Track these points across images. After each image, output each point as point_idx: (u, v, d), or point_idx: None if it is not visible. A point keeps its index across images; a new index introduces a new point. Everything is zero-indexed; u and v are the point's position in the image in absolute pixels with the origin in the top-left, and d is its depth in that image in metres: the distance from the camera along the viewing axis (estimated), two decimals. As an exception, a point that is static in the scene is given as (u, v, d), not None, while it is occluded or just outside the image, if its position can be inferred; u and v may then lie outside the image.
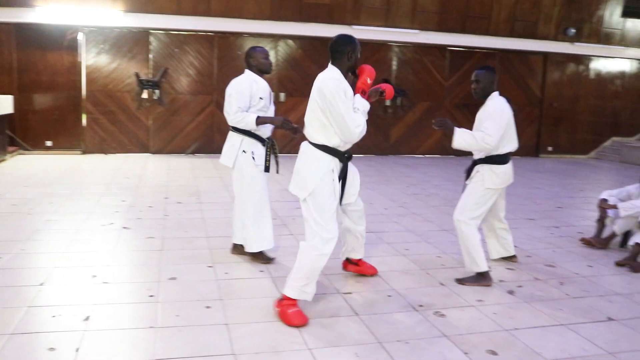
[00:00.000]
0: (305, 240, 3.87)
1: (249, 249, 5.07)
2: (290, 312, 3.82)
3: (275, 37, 13.16)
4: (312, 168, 3.88)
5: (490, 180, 4.76)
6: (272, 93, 5.16)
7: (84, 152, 12.41)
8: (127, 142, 12.67)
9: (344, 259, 4.87)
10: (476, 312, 4.16)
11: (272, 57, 13.03)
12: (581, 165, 14.27)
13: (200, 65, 12.90)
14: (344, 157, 4.00)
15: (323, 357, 3.35)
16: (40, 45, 11.97)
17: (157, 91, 12.49)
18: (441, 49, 14.34)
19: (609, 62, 15.90)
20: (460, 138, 4.56)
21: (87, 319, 3.76)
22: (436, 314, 4.08)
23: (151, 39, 12.53)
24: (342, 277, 4.80)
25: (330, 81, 3.80)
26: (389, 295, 4.41)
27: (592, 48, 15.39)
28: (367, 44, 13.57)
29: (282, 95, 13.01)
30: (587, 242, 6.14)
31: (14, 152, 11.63)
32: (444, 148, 14.60)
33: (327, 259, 3.84)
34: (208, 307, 4.04)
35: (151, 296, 4.21)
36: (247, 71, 5.05)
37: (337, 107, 3.75)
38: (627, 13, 15.38)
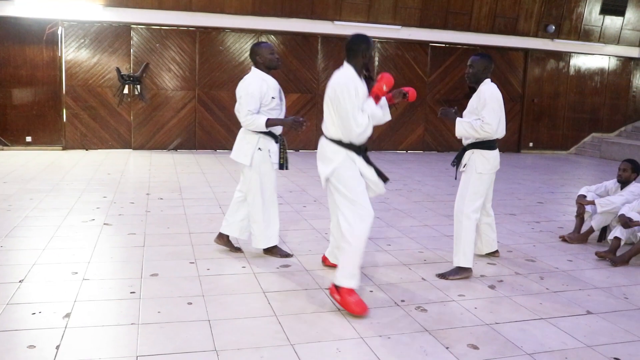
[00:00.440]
0: (342, 225, 3.96)
1: (257, 244, 5.11)
2: (353, 302, 3.92)
3: (257, 33, 13.11)
4: (331, 154, 4.04)
5: (482, 165, 4.81)
6: (281, 89, 5.14)
7: (65, 148, 12.28)
8: (109, 138, 12.57)
9: (328, 254, 4.95)
10: (457, 306, 4.20)
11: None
12: (561, 160, 14.42)
13: (182, 60, 12.82)
14: (361, 150, 4.09)
15: (305, 352, 3.36)
16: (19, 39, 11.81)
17: (138, 86, 12.39)
18: (423, 45, 14.39)
19: (588, 59, 16.06)
20: (461, 127, 4.75)
21: (67, 316, 3.73)
22: (418, 309, 4.11)
23: (132, 33, 12.42)
24: (324, 273, 4.81)
25: (342, 78, 3.97)
26: (371, 291, 4.43)
27: (571, 45, 15.55)
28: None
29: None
30: (564, 239, 6.20)
31: (-7, 148, 11.48)
32: (426, 144, 14.68)
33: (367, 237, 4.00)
34: (190, 303, 4.03)
35: (133, 293, 4.19)
36: (254, 69, 5.02)
37: (343, 102, 3.88)
38: (606, 10, 15.54)
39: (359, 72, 4.07)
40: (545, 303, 4.33)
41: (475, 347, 3.52)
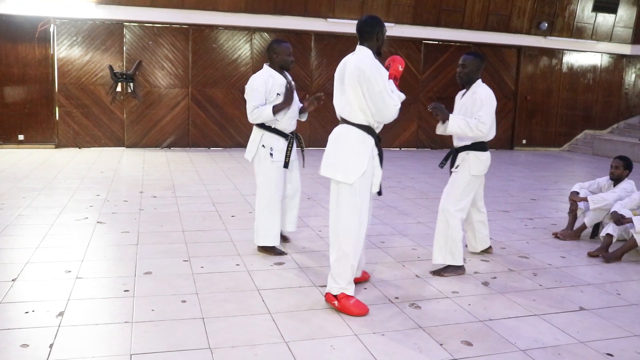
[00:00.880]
0: (338, 229, 3.89)
1: (256, 241, 5.17)
2: (352, 304, 3.89)
3: (250, 30, 13.09)
4: (361, 150, 3.86)
5: (476, 167, 4.80)
6: (294, 84, 5.19)
7: (57, 146, 12.24)
8: (102, 136, 12.53)
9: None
10: (451, 303, 4.21)
11: (247, 50, 13.04)
12: (554, 157, 14.47)
13: (175, 58, 12.78)
14: (378, 139, 4.00)
15: (299, 350, 3.36)
16: (11, 37, 11.74)
17: (131, 84, 12.35)
18: (416, 42, 14.40)
19: (581, 56, 16.12)
20: (455, 124, 4.64)
21: (61, 314, 3.71)
22: (412, 306, 4.12)
23: (125, 31, 12.38)
24: (317, 270, 4.81)
25: (367, 59, 3.82)
26: (365, 288, 4.43)
27: (564, 42, 15.60)
28: (342, 36, 13.61)
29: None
30: (557, 236, 6.22)
31: (-15, 146, 11.42)
32: (420, 141, 14.71)
33: None
34: (184, 301, 4.02)
35: (126, 291, 4.18)
36: (265, 66, 5.09)
37: (375, 82, 3.74)
38: (598, 7, 15.61)
39: (374, 55, 3.94)
40: (539, 299, 4.35)
41: (469, 344, 3.53)
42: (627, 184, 6.03)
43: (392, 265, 5.04)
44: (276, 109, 4.88)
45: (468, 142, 4.84)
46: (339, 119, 4.02)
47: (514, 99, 15.60)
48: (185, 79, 12.90)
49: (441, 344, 3.51)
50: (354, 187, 3.84)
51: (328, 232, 5.95)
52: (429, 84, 14.58)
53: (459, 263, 4.79)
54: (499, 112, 15.17)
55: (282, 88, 4.99)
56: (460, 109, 4.91)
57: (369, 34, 3.94)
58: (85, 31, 12.12)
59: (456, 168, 4.86)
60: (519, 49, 15.36)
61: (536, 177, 10.73)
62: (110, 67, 12.19)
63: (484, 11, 14.62)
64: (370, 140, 3.90)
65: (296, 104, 5.15)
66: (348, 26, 13.36)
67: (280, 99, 4.96)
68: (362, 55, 3.88)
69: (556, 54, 15.84)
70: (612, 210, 5.63)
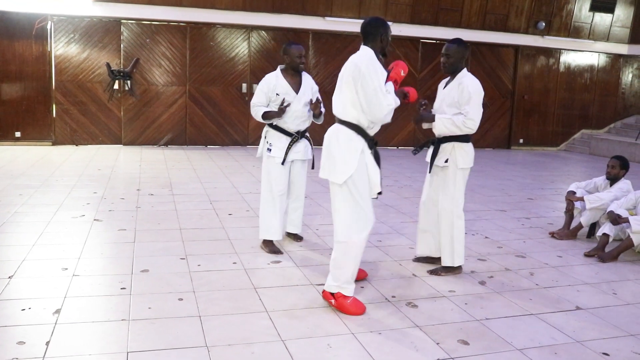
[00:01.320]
0: (340, 231, 3.86)
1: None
2: (349, 303, 3.89)
3: (248, 28, 13.08)
4: (349, 148, 3.84)
5: (463, 160, 4.65)
6: (315, 88, 5.38)
7: (55, 144, 12.21)
8: (99, 134, 12.50)
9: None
10: (448, 302, 4.21)
11: (244, 48, 13.02)
12: (551, 157, 14.49)
13: (173, 56, 12.76)
14: (372, 141, 3.94)
15: (296, 348, 3.36)
16: (8, 34, 11.71)
17: (128, 82, 12.33)
18: (414, 41, 14.41)
19: (578, 56, 16.14)
20: (442, 125, 4.56)
21: (57, 312, 3.71)
22: (408, 305, 4.12)
23: (122, 28, 12.36)
24: (314, 268, 4.81)
25: (365, 57, 3.83)
26: (362, 287, 4.43)
27: (561, 41, 15.62)
28: (340, 35, 13.61)
29: (255, 87, 12.93)
30: (554, 236, 6.23)
31: (-19, 143, 11.39)
32: (417, 140, 14.70)
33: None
34: (181, 299, 4.02)
35: (123, 289, 4.18)
36: (278, 67, 5.29)
37: (370, 79, 3.72)
38: (596, 7, 15.63)
39: (377, 56, 3.93)
40: (535, 299, 4.35)
41: (466, 343, 3.54)
42: (623, 183, 6.04)
43: (389, 264, 5.05)
44: (265, 116, 5.12)
45: (451, 133, 4.65)
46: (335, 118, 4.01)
47: (511, 98, 15.61)
48: (182, 76, 12.88)
49: (438, 343, 3.52)
50: (348, 187, 3.82)
51: (326, 231, 5.99)
52: (427, 82, 14.57)
53: (461, 263, 4.77)
54: (496, 112, 15.25)
55: (285, 89, 5.14)
56: (444, 99, 4.70)
57: (373, 35, 3.93)
58: (83, 28, 12.09)
59: (446, 162, 4.66)
60: (517, 48, 15.37)
61: (533, 177, 10.75)
62: (108, 65, 12.17)
63: (482, 10, 14.63)
64: (360, 140, 3.86)
65: (301, 103, 5.17)
66: (346, 25, 13.36)
67: (279, 99, 5.09)
68: (361, 54, 3.90)
69: (553, 53, 15.86)
70: (608, 209, 5.65)
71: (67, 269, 4.54)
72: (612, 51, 16.34)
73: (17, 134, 12.02)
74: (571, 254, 5.60)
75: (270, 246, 5.24)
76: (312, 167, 5.51)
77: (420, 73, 14.53)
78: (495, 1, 14.66)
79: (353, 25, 13.51)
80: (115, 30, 12.32)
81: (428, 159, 4.87)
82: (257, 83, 12.83)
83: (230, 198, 7.50)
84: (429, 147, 4.93)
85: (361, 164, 3.83)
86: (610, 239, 5.57)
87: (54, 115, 12.16)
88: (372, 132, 3.93)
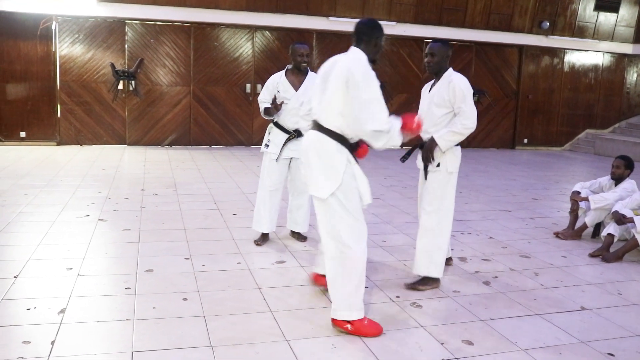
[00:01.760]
0: (334, 245, 3.52)
1: None
2: (366, 325, 3.56)
3: (252, 29, 13.09)
4: (332, 162, 3.50)
5: (452, 164, 4.42)
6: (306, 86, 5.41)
7: (59, 144, 12.24)
8: (103, 134, 12.53)
9: (319, 272, 4.25)
10: (452, 302, 4.21)
11: (248, 48, 13.02)
12: (556, 157, 14.46)
13: (177, 56, 12.78)
14: (354, 149, 3.63)
15: (300, 348, 3.37)
16: (13, 34, 11.74)
17: (133, 82, 12.34)
18: (418, 41, 14.39)
19: (582, 55, 16.10)
20: (445, 141, 4.31)
21: (62, 311, 3.72)
22: (413, 305, 4.12)
23: (127, 29, 12.38)
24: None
25: (361, 63, 3.48)
26: (366, 287, 4.42)
27: (566, 41, 15.59)
28: (343, 35, 13.59)
29: (259, 87, 12.96)
30: (558, 236, 6.22)
31: (-14, 143, 11.43)
32: (421, 140, 14.66)
33: None
34: (185, 299, 4.03)
35: (128, 288, 4.18)
36: (287, 66, 5.49)
37: (366, 90, 3.38)
38: (600, 7, 15.59)
39: (369, 61, 3.59)
40: (540, 299, 4.35)
41: (470, 343, 3.53)
42: (628, 183, 6.02)
43: (393, 264, 5.05)
44: (266, 112, 5.35)
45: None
46: (311, 122, 3.70)
47: (515, 98, 15.58)
48: (186, 77, 12.89)
49: (442, 343, 3.51)
50: (336, 201, 3.48)
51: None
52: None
53: (441, 275, 4.46)
54: (500, 112, 15.24)
55: (284, 87, 5.34)
56: (432, 99, 4.46)
57: (368, 36, 3.61)
58: (87, 29, 12.12)
59: (438, 166, 4.44)
60: (521, 48, 15.34)
61: (537, 177, 10.73)
62: (112, 65, 12.19)
63: (486, 10, 14.60)
64: (344, 151, 3.53)
65: (298, 102, 5.26)
66: (349, 25, 13.15)
67: (279, 96, 5.29)
68: (355, 58, 3.53)
69: (558, 53, 15.83)
70: (613, 210, 5.63)
71: (71, 268, 4.55)
72: (617, 51, 16.30)
73: (22, 134, 12.05)
74: (576, 254, 5.59)
75: (259, 237, 5.52)
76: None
77: (424, 73, 14.50)
78: (499, 1, 14.64)
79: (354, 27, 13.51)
80: (119, 30, 12.34)
81: (420, 165, 4.65)
82: (261, 83, 12.89)
83: (234, 198, 7.51)
84: (416, 152, 4.71)
85: (348, 175, 3.51)
86: (615, 239, 5.56)
87: (59, 115, 12.19)
88: (353, 141, 3.59)
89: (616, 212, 5.53)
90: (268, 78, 5.47)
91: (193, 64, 12.87)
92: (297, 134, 5.32)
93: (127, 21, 12.34)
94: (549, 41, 15.40)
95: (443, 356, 3.35)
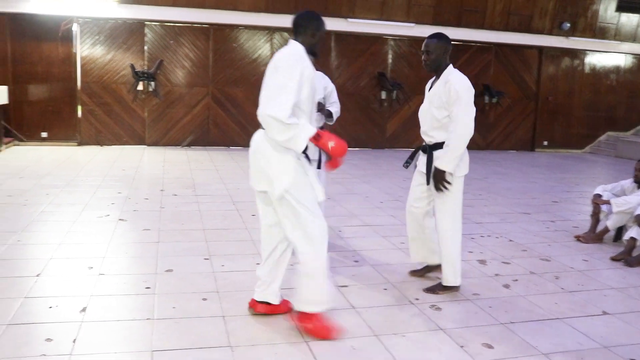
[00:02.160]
0: (301, 246, 3.42)
1: None
2: (324, 325, 3.54)
3: (271, 30, 13.12)
4: (281, 158, 3.41)
5: (459, 169, 4.17)
6: (330, 87, 5.36)
7: (80, 144, 12.37)
8: (123, 134, 12.64)
9: (259, 296, 3.86)
10: (472, 305, 4.18)
11: (267, 49, 13.05)
12: (576, 159, 14.32)
13: (196, 57, 12.85)
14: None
15: (319, 349, 3.36)
16: (35, 36, 11.90)
17: (152, 83, 12.43)
18: (437, 42, 14.29)
19: (603, 57, 15.93)
20: (450, 164, 4.07)
21: (83, 310, 3.75)
22: (432, 307, 4.10)
23: (146, 30, 12.48)
24: (338, 269, 4.81)
25: (289, 51, 3.43)
26: (385, 289, 4.42)
27: (587, 42, 15.44)
28: (362, 36, 13.60)
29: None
30: (579, 239, 6.15)
31: (9, 143, 11.58)
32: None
33: None
34: (204, 299, 4.04)
35: (148, 288, 4.21)
36: None
37: (282, 74, 3.28)
38: (622, 7, 15.41)
39: (306, 53, 3.50)
40: (561, 303, 4.30)
41: (490, 347, 3.50)
42: (651, 187, 5.94)
43: (412, 267, 5.02)
44: None
45: (441, 139, 4.21)
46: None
47: (535, 100, 15.46)
48: (205, 78, 12.96)
49: (462, 346, 3.49)
50: (290, 199, 3.37)
51: (348, 232, 5.98)
52: (450, 84, 14.47)
53: (459, 282, 4.36)
54: (520, 114, 15.12)
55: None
56: (432, 101, 4.27)
57: (304, 28, 3.51)
58: (108, 30, 12.24)
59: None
60: (541, 49, 15.22)
61: (557, 179, 10.63)
62: (132, 66, 12.29)
63: (505, 11, 14.51)
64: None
65: (313, 104, 5.16)
66: (368, 26, 13.34)
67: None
68: (288, 49, 3.47)
69: (578, 54, 15.68)
70: (635, 213, 5.55)
71: (92, 267, 4.59)
72: (639, 52, 16.10)
73: (44, 135, 12.21)
74: (597, 258, 5.52)
75: None
76: (318, 167, 5.33)
77: (443, 74, 14.41)
78: (519, 2, 14.54)
79: (375, 27, 13.51)
80: (139, 31, 12.45)
81: (423, 168, 4.36)
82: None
83: (253, 199, 7.44)
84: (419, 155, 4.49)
85: (299, 172, 3.40)
86: (638, 243, 5.48)
87: (80, 115, 12.32)
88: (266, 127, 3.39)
89: (639, 215, 5.46)
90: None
91: (212, 65, 12.93)
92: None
93: (146, 23, 12.44)
94: (569, 42, 15.25)
95: (463, 359, 3.33)
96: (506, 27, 14.61)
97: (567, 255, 5.60)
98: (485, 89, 14.59)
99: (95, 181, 8.29)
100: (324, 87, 5.30)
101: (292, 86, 3.25)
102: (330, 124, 5.34)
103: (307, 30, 3.52)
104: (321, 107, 5.13)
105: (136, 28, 12.42)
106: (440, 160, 4.09)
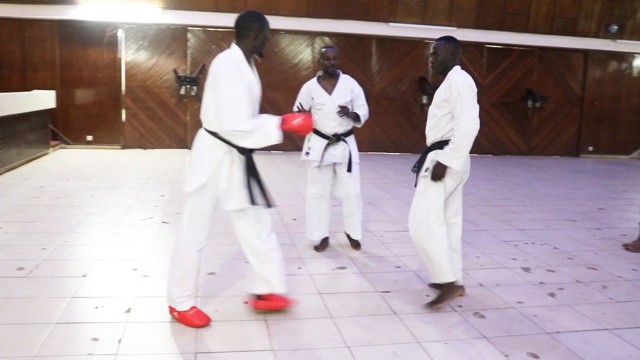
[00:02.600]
0: (178, 241, 3.69)
1: None
2: (191, 314, 3.65)
3: (312, 35, 13.17)
4: (203, 158, 3.46)
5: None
6: (358, 90, 5.38)
7: (123, 147, 12.61)
8: (166, 138, 12.83)
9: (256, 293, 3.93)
10: (516, 313, 4.10)
11: (308, 54, 13.10)
12: (623, 165, 13.94)
13: (237, 61, 12.95)
14: (245, 150, 3.51)
15: (361, 355, 3.34)
16: (82, 42, 12.21)
17: (194, 87, 12.60)
18: (479, 46, 14.16)
19: (653, 60, 15.51)
20: (455, 161, 3.97)
21: (128, 310, 3.82)
22: (475, 315, 4.03)
23: (189, 35, 12.66)
24: (379, 275, 4.78)
25: (227, 59, 3.38)
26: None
27: (635, 45, 15.02)
28: (403, 41, 13.53)
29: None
30: (628, 248, 5.98)
31: (56, 146, 11.89)
32: (481, 147, 14.42)
33: None
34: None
35: (191, 290, 4.25)
36: (317, 73, 5.54)
37: (224, 85, 3.29)
38: (673, 10, 14.97)
39: (248, 57, 3.48)
40: (609, 313, 4.18)
41: (536, 356, 3.43)
42: None
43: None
44: None
45: (436, 138, 4.17)
46: None
47: (580, 105, 15.12)
48: (246, 82, 13.04)
49: (506, 355, 3.43)
50: (193, 199, 3.57)
51: (390, 237, 5.94)
52: (492, 89, 14.29)
53: (451, 278, 4.14)
54: (564, 118, 14.82)
55: (318, 93, 5.30)
56: (436, 101, 4.18)
57: (245, 30, 3.46)
58: (151, 36, 12.47)
59: (426, 171, 4.15)
60: (586, 53, 14.89)
61: (603, 186, 10.37)
62: (175, 71, 12.48)
63: (550, 14, 14.26)
64: (221, 148, 3.45)
65: (334, 106, 5.21)
66: (409, 30, 13.27)
67: (314, 103, 5.30)
68: (225, 55, 3.43)
69: (626, 57, 15.28)
70: (688, 221, 5.38)
71: (136, 269, 4.67)
72: (690, 55, 15.63)
73: (89, 138, 12.50)
74: (647, 267, 5.37)
75: (315, 245, 5.52)
76: (349, 170, 5.31)
77: (486, 79, 14.25)
78: (563, 4, 14.26)
79: (417, 31, 13.42)
80: (182, 37, 12.64)
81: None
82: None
83: (293, 203, 7.54)
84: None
85: (214, 176, 3.47)
86: (690, 253, 5.31)
87: (124, 119, 12.58)
88: (233, 141, 3.44)
89: (691, 224, 5.29)
90: (314, 84, 5.36)
91: (253, 70, 13.01)
92: (337, 138, 5.27)
93: (189, 28, 12.62)
94: (616, 45, 14.87)
95: (508, 369, 3.27)
96: (550, 31, 14.35)
97: (614, 264, 5.45)
98: (528, 93, 14.35)
99: (138, 184, 8.43)
100: (351, 90, 5.31)
101: (242, 94, 3.31)
102: (359, 126, 5.33)
103: (249, 32, 3.47)
104: (346, 111, 5.11)
105: (179, 33, 12.61)
106: (445, 158, 3.98)
